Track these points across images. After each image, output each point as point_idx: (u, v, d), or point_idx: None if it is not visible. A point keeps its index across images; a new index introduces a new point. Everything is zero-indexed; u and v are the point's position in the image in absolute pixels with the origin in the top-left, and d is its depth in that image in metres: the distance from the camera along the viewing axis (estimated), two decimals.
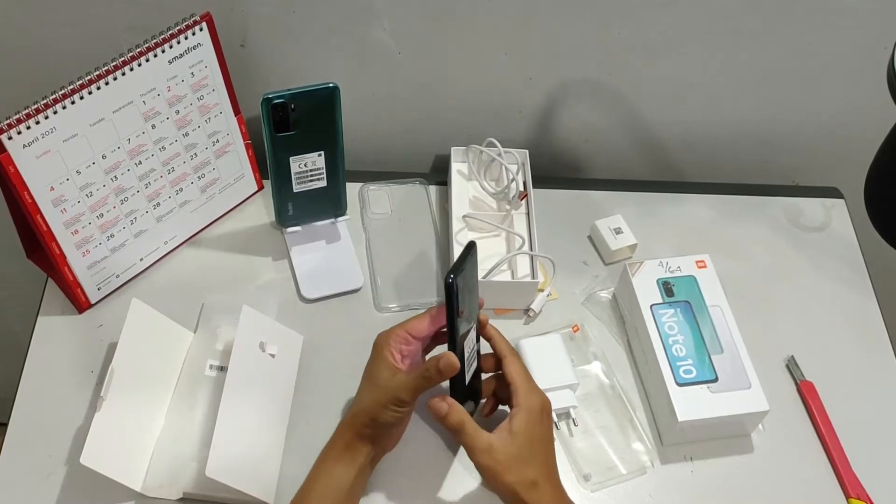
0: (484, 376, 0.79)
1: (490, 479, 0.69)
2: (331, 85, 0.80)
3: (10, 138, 0.73)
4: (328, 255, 0.93)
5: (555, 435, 0.75)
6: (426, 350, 0.78)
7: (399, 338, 0.74)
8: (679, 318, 0.84)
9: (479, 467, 0.70)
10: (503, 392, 0.75)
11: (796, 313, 0.93)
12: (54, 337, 0.86)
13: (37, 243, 0.82)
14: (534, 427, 0.70)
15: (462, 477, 0.79)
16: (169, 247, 0.92)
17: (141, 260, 0.90)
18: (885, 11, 0.90)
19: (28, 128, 0.73)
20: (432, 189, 1.00)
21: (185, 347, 0.85)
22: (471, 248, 0.72)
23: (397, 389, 0.71)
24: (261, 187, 0.98)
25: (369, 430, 0.72)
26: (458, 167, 0.99)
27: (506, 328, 0.87)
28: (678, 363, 0.81)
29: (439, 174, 1.02)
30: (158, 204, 0.88)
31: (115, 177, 0.83)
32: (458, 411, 0.70)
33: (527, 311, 0.90)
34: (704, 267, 0.88)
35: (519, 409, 0.71)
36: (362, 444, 0.72)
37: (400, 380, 0.71)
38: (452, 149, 0.99)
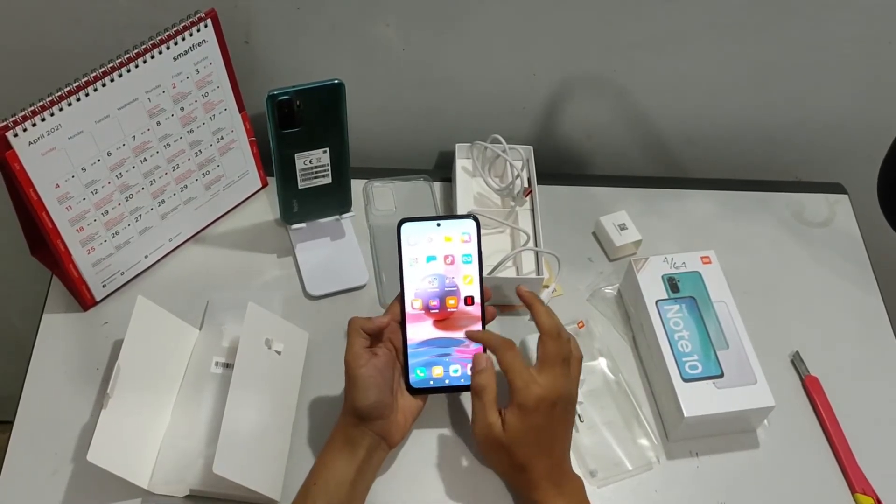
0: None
1: (481, 451, 0.76)
2: (336, 81, 0.80)
3: (15, 135, 0.73)
4: (333, 252, 0.93)
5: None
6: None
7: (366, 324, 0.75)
8: (684, 314, 0.84)
9: (475, 436, 0.73)
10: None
11: (801, 308, 0.93)
12: (59, 335, 0.86)
13: (41, 240, 0.81)
14: (528, 420, 0.71)
15: (465, 476, 0.79)
16: (174, 244, 0.92)
17: (146, 257, 0.90)
18: (887, 7, 0.90)
19: (33, 125, 0.73)
20: (437, 186, 1.00)
21: (191, 345, 0.85)
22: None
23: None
24: (265, 184, 0.98)
25: (361, 420, 0.73)
26: (462, 164, 0.99)
27: (511, 324, 0.87)
28: (683, 359, 0.81)
29: (443, 171, 1.02)
30: (163, 201, 0.88)
31: (120, 174, 0.82)
32: (487, 377, 0.72)
33: None
34: (709, 263, 0.88)
35: (512, 405, 0.72)
36: (360, 437, 0.73)
37: (352, 350, 0.74)
38: (457, 145, 0.99)
